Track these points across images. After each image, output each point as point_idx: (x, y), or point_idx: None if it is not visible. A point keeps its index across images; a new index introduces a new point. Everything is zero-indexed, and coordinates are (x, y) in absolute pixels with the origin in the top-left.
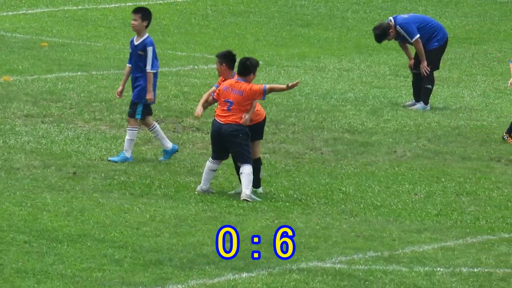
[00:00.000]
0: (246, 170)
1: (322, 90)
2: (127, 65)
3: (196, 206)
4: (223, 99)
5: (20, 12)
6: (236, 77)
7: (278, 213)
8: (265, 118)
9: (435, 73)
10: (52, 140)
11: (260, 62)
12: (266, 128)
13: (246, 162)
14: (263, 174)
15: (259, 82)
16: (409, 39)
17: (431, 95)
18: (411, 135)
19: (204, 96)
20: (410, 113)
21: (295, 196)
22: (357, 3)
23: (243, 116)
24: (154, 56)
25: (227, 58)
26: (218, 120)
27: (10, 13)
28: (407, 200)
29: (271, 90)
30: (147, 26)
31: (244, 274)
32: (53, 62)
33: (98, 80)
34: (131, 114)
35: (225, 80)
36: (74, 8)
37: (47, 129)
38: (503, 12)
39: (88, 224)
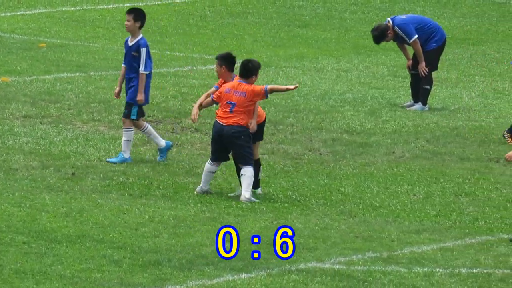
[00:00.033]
0: (247, 172)
1: (320, 90)
2: (122, 65)
3: (195, 207)
4: (225, 101)
5: (18, 13)
6: (236, 78)
7: (277, 213)
8: (265, 119)
9: (434, 74)
10: (51, 141)
11: None
12: (264, 129)
13: (247, 164)
14: (262, 175)
15: (257, 83)
16: (407, 40)
17: (429, 96)
18: (410, 135)
19: (202, 97)
20: (408, 114)
21: (293, 196)
22: (355, 4)
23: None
24: (148, 57)
25: (226, 60)
26: (220, 122)
27: (8, 14)
28: (406, 201)
29: (272, 90)
30: (140, 27)
31: (243, 275)
32: (51, 63)
33: (96, 81)
34: (126, 115)
35: (224, 82)
36: (72, 9)
37: (45, 130)
38: (501, 12)
39: (87, 224)
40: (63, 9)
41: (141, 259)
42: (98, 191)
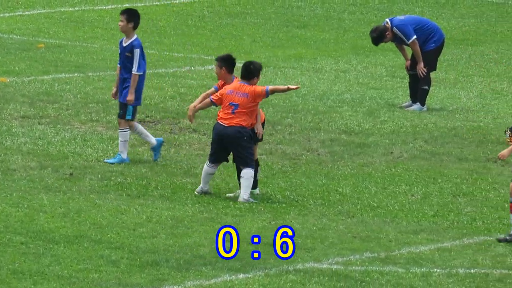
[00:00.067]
0: (248, 174)
1: (318, 91)
2: (118, 66)
3: (193, 207)
4: (227, 103)
5: (17, 14)
6: (236, 80)
7: (274, 214)
8: (264, 120)
9: (432, 74)
10: (49, 141)
11: None
12: (263, 130)
13: (248, 166)
14: (260, 175)
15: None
16: (406, 40)
17: (427, 96)
18: (408, 136)
19: (201, 97)
20: (406, 114)
21: (291, 197)
22: (354, 5)
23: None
24: (142, 58)
25: (226, 62)
26: (222, 123)
27: (7, 14)
28: (404, 201)
29: (273, 91)
30: (134, 28)
31: (241, 275)
32: (50, 64)
33: (94, 82)
34: (122, 116)
35: (224, 83)
36: (70, 9)
37: (43, 130)
38: (500, 13)
39: (85, 225)
40: (62, 9)
41: (139, 260)
42: (96, 192)
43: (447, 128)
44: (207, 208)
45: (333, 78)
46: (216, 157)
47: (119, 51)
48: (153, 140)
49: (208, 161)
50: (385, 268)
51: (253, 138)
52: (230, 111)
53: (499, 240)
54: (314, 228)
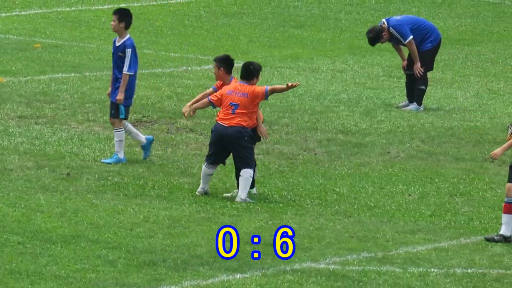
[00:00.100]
0: (246, 173)
1: (315, 91)
2: (112, 65)
3: (190, 207)
4: (227, 103)
5: (13, 14)
6: (234, 80)
7: (272, 214)
8: (262, 121)
9: (429, 74)
10: (46, 141)
11: None
12: None
13: (248, 166)
14: (256, 175)
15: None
16: (402, 40)
17: (424, 96)
18: (405, 136)
19: (198, 96)
20: (403, 114)
21: (288, 197)
22: (350, 4)
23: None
24: (134, 58)
25: (225, 63)
26: (222, 124)
27: (3, 14)
28: (401, 201)
29: (273, 91)
30: (126, 27)
31: (238, 275)
32: (47, 63)
33: (91, 81)
34: (115, 115)
35: (223, 84)
36: (67, 9)
37: (40, 130)
38: (496, 13)
39: (82, 225)
40: (58, 9)
41: (136, 259)
42: (93, 191)
43: (444, 128)
44: (204, 208)
45: (329, 78)
46: (216, 158)
47: (112, 50)
48: (143, 138)
49: (206, 162)
50: (382, 268)
51: (253, 138)
52: (230, 111)
53: (487, 239)
54: (311, 228)
